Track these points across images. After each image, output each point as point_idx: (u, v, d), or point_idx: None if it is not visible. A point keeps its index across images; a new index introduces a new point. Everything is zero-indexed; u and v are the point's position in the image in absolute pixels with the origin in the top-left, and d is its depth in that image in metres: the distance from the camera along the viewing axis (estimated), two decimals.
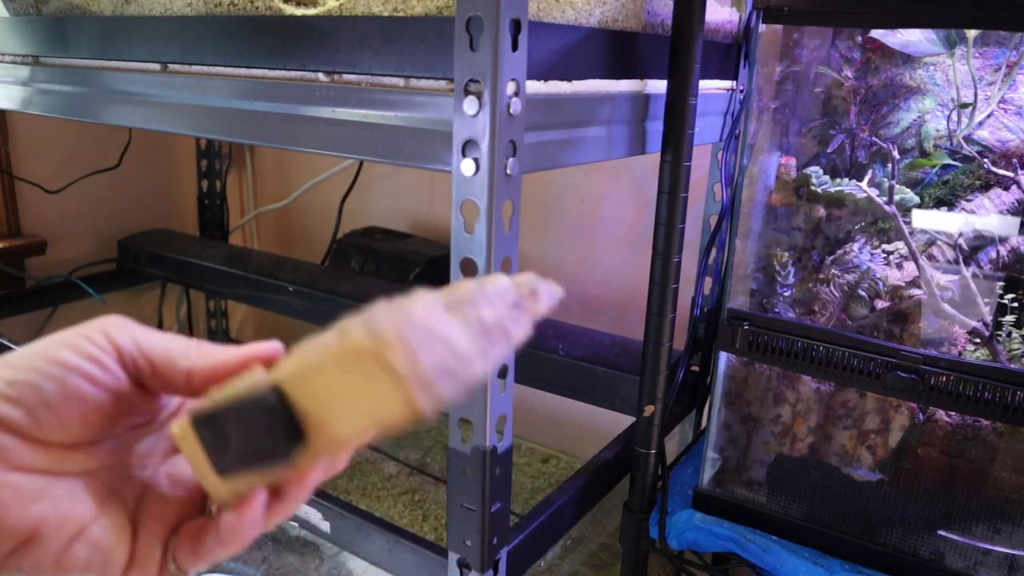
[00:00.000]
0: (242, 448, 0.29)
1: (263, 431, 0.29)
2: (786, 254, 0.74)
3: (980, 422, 0.68)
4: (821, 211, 0.73)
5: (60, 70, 0.83)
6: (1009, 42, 0.67)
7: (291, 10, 0.63)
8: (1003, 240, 0.67)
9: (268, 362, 0.31)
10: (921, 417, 0.70)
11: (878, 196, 0.70)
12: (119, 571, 0.30)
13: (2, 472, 0.27)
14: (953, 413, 0.68)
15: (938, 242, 0.69)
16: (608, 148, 0.68)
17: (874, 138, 0.72)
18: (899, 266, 0.70)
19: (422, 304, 0.28)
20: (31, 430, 0.27)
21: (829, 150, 0.74)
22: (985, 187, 0.69)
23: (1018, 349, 0.66)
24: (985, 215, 0.68)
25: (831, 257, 0.73)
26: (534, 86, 0.57)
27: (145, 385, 0.31)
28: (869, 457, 0.73)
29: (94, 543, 0.29)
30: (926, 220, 0.69)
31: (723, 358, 0.77)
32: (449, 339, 0.27)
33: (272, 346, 0.32)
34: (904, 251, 0.70)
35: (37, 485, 0.28)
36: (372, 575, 0.98)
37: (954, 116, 0.69)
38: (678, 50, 0.68)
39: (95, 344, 0.29)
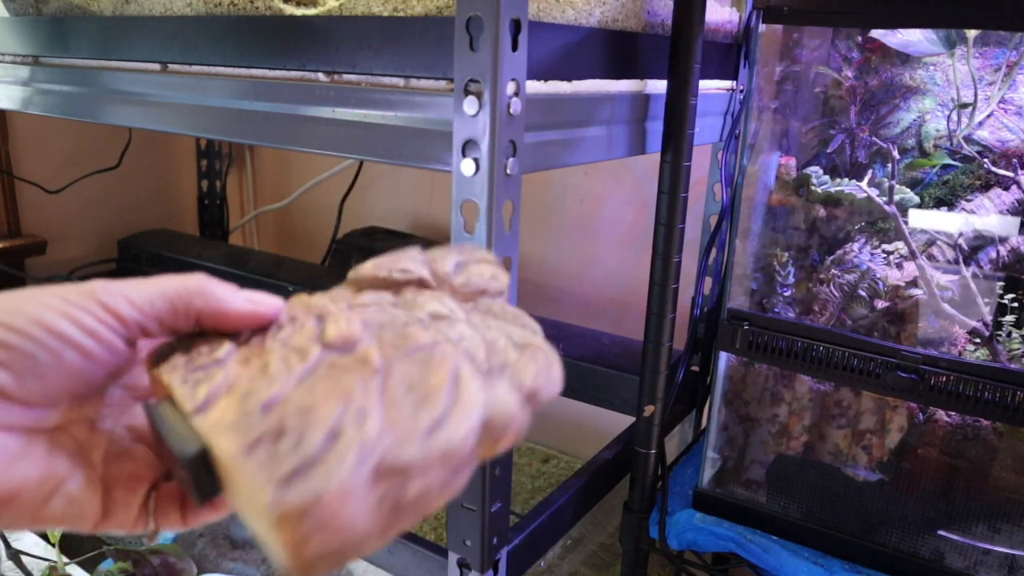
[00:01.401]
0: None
1: (190, 472, 0.28)
2: (786, 254, 0.74)
3: (980, 422, 0.68)
4: (821, 211, 0.73)
5: (60, 70, 0.83)
6: (1009, 42, 0.67)
7: (291, 10, 0.63)
8: (1003, 240, 0.67)
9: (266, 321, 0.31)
10: (921, 417, 0.70)
11: (878, 196, 0.70)
12: (91, 523, 0.30)
13: None
14: (953, 413, 0.68)
15: (938, 242, 0.69)
16: (608, 148, 0.68)
17: (874, 138, 0.72)
18: (899, 266, 0.70)
19: (345, 469, 0.25)
20: (16, 393, 0.27)
21: (829, 150, 0.74)
22: (985, 187, 0.69)
23: (1018, 349, 0.66)
24: (985, 215, 0.68)
25: (831, 257, 0.73)
26: (534, 86, 0.57)
27: (152, 333, 0.30)
28: (864, 456, 0.73)
29: (70, 498, 0.29)
30: (926, 220, 0.69)
31: (723, 358, 0.77)
32: (354, 524, 0.25)
33: (274, 305, 0.31)
34: (904, 251, 0.70)
35: (18, 444, 0.28)
36: (372, 575, 0.98)
37: (954, 116, 0.69)
38: (678, 50, 0.68)
39: (94, 316, 0.28)
